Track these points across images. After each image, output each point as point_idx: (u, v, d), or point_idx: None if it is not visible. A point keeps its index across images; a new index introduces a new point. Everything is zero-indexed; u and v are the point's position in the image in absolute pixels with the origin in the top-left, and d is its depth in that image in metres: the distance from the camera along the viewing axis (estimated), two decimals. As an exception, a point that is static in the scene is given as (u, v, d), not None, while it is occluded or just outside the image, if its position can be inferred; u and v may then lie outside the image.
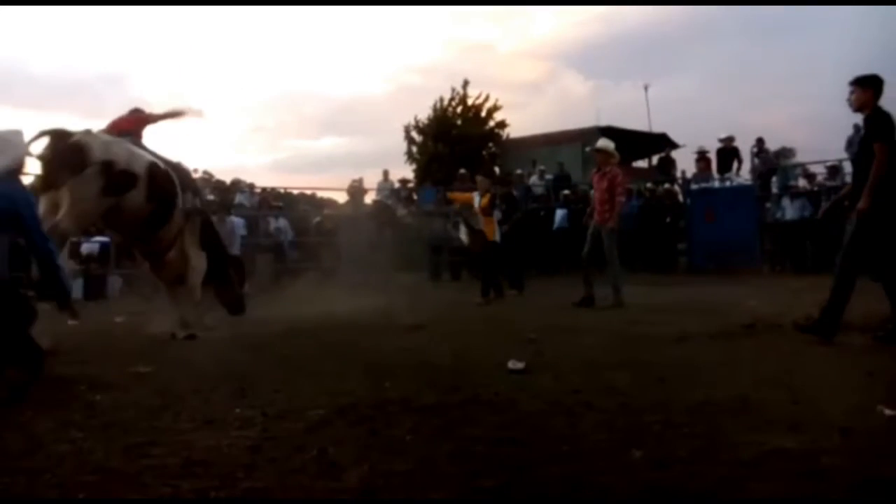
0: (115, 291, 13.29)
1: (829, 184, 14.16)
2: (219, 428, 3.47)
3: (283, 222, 15.95)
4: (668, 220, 16.06)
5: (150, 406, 3.96)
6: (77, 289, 11.56)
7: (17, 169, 5.00)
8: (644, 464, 2.80)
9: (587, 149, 17.71)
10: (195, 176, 10.81)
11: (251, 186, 16.71)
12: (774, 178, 15.82)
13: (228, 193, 15.64)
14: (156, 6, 35.57)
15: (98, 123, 7.52)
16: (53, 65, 44.21)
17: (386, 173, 18.83)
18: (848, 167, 14.06)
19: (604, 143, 9.65)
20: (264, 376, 4.75)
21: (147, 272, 7.76)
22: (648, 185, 17.05)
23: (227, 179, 16.48)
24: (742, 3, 30.34)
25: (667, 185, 17.12)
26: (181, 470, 2.83)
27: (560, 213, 16.21)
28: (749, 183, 15.63)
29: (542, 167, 18.98)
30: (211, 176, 16.01)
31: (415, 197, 18.81)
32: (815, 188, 14.61)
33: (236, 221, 13.76)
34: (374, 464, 2.86)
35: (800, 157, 16.08)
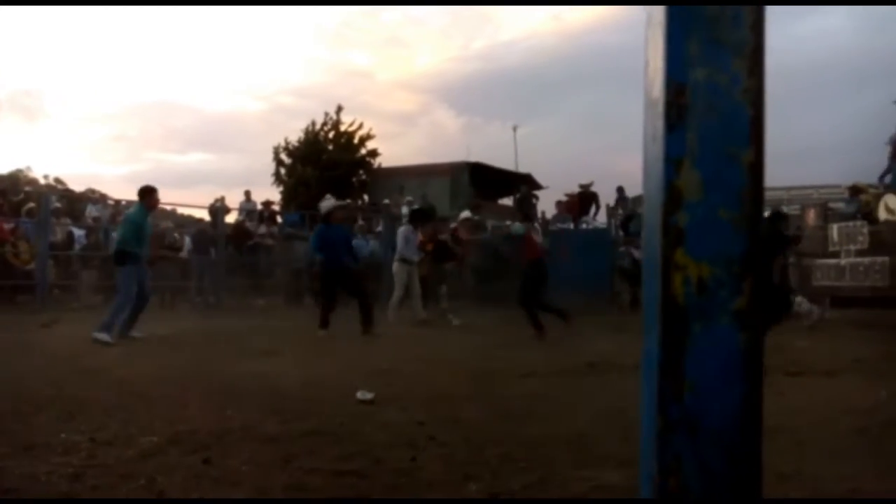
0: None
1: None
2: (39, 454, 3.25)
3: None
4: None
5: (-38, 429, 3.65)
6: None
7: None
8: (478, 497, 2.85)
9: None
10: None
11: (104, 197, 15.89)
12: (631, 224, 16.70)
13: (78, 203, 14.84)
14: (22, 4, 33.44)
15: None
16: None
17: (248, 193, 18.56)
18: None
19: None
20: (97, 400, 4.50)
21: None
22: (509, 223, 17.56)
23: (80, 188, 15.68)
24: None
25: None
26: (-12, 500, 2.62)
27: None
28: (604, 227, 16.43)
29: (409, 197, 19.17)
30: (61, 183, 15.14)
31: (279, 220, 18.49)
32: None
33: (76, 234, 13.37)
34: (204, 494, 2.76)
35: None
